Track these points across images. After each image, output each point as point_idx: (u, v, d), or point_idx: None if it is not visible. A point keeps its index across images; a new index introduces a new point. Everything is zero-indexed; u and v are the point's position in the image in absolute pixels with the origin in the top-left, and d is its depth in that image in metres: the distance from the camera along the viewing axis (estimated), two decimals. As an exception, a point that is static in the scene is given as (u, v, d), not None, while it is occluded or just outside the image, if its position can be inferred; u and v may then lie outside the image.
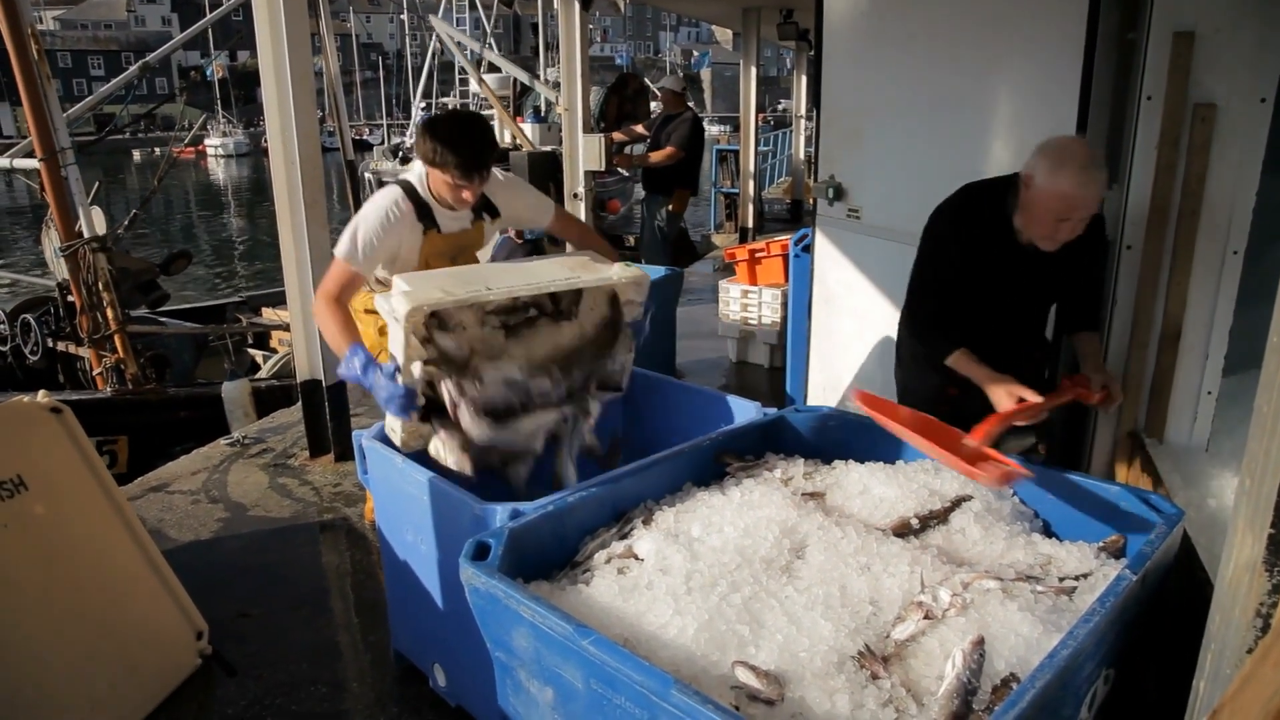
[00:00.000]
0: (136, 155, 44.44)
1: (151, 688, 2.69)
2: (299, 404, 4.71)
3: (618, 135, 7.62)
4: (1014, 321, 2.76)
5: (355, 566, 3.58)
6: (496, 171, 2.97)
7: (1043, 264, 2.54)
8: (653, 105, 11.01)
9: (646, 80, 10.72)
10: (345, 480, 4.32)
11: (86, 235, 6.05)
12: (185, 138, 19.84)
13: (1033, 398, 2.33)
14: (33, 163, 6.05)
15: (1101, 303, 2.89)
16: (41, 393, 2.69)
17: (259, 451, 4.77)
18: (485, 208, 3.03)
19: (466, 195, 2.80)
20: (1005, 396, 2.36)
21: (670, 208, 7.23)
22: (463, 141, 2.71)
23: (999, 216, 2.54)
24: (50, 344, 6.86)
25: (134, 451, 5.67)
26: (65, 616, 2.50)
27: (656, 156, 7.16)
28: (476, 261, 3.09)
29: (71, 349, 6.68)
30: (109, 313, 6.14)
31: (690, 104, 7.55)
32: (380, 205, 2.84)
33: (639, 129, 7.79)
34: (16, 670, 2.36)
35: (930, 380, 2.73)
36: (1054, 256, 2.50)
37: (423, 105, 24.91)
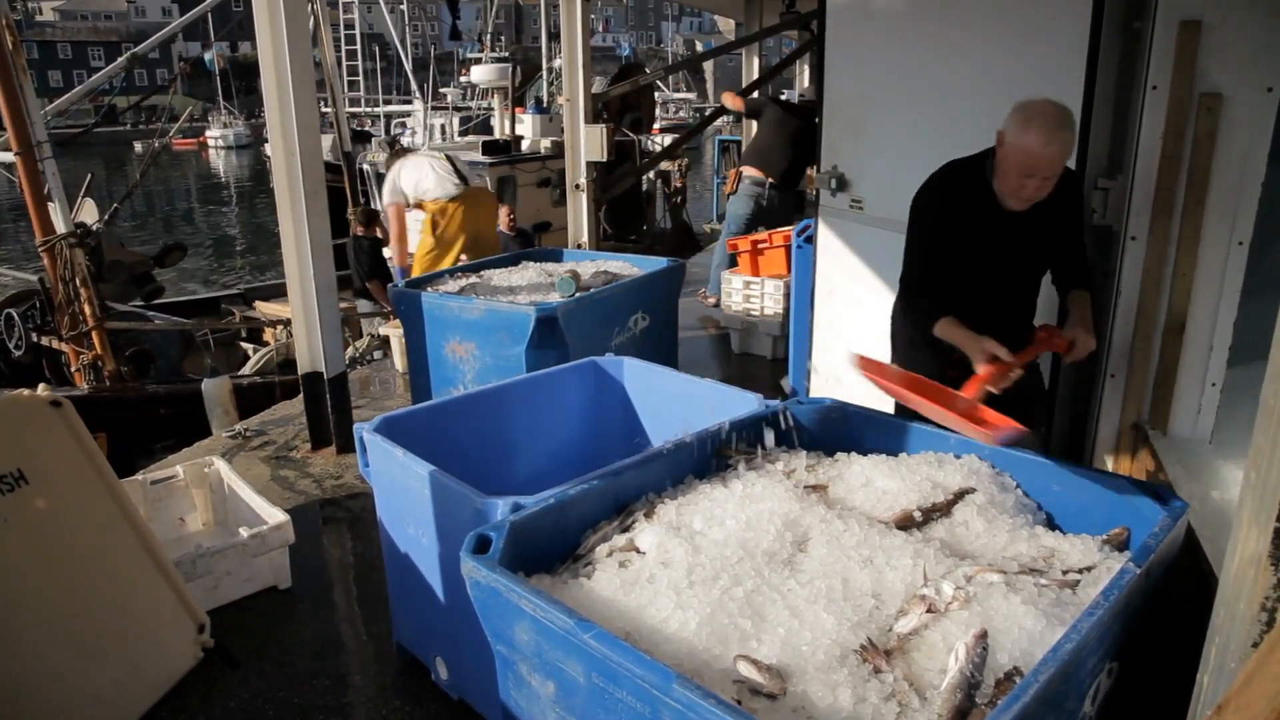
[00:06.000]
0: (138, 146, 44.33)
1: (154, 681, 2.69)
2: (300, 396, 4.70)
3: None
4: (1002, 290, 2.78)
5: (357, 559, 3.58)
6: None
7: (1023, 228, 2.60)
8: (656, 96, 10.91)
9: (648, 70, 10.61)
10: (347, 473, 4.32)
11: (62, 230, 6.00)
12: (172, 130, 19.68)
13: (1007, 356, 2.40)
14: (9, 156, 6.02)
15: (1088, 262, 2.85)
16: (41, 386, 2.69)
17: (260, 444, 4.77)
18: None
19: None
20: (980, 354, 2.43)
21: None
22: None
23: (979, 182, 2.62)
24: (35, 339, 6.78)
25: (114, 448, 5.63)
26: (67, 611, 2.50)
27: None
28: None
29: (55, 344, 6.63)
30: (86, 309, 6.09)
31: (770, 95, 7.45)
32: None
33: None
34: (19, 665, 2.36)
35: (928, 363, 2.72)
36: (1034, 220, 2.58)
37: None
